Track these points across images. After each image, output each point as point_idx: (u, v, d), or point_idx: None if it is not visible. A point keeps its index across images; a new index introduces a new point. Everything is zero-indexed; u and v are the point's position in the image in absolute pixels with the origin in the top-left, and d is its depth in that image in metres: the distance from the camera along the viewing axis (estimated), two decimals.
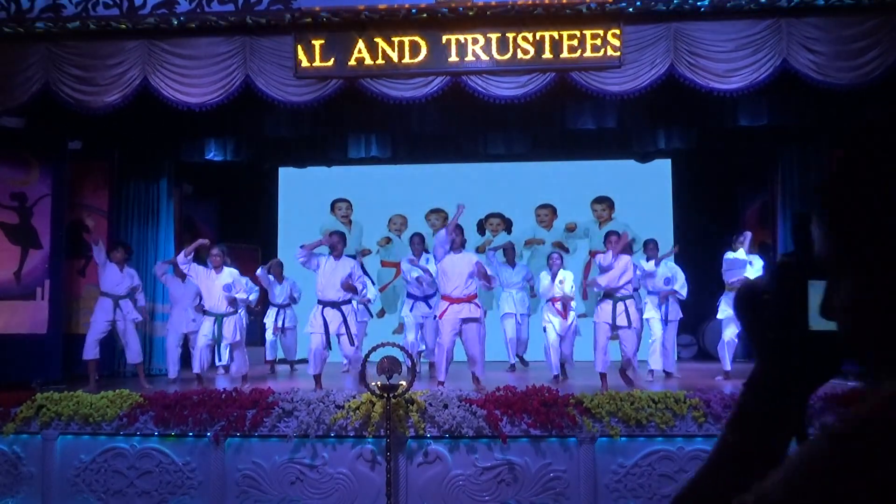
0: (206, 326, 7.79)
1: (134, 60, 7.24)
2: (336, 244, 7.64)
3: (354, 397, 6.00)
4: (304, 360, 9.18)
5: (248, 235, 11.15)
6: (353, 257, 8.52)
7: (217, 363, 8.76)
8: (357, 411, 5.91)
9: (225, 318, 7.74)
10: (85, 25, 7.15)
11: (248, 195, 11.46)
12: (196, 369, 7.70)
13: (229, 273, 7.99)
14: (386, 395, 5.61)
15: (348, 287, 7.40)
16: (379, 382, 5.63)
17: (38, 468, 6.22)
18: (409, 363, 5.79)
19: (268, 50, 7.22)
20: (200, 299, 8.26)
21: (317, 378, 7.07)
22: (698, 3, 6.90)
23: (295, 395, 6.12)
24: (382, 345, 5.66)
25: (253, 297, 8.34)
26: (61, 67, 7.25)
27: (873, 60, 6.80)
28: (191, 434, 6.07)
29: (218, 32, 7.23)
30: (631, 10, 6.98)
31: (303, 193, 11.09)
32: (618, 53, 7.06)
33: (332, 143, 10.04)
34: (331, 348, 7.48)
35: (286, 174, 11.60)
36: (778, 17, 6.92)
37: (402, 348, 5.68)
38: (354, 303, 7.89)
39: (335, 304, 7.37)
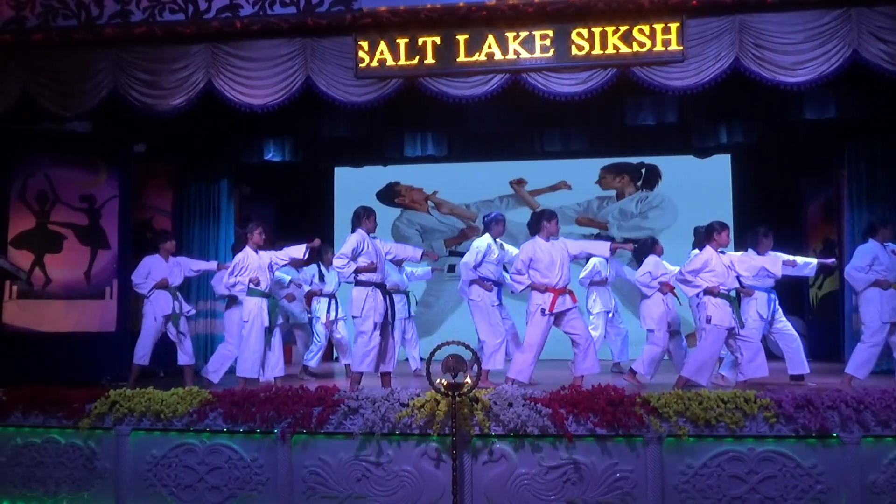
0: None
1: (198, 64, 7.37)
2: None
3: (419, 395, 6.02)
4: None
5: (304, 234, 11.25)
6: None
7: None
8: (422, 409, 5.92)
9: None
10: (151, 30, 7.31)
11: (305, 195, 11.62)
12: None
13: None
14: (451, 393, 5.61)
15: None
16: (444, 380, 5.63)
17: (112, 463, 6.39)
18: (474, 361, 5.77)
19: (328, 51, 7.28)
20: None
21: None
22: None
23: (360, 392, 6.17)
24: (448, 343, 5.64)
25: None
26: (129, 72, 7.42)
27: None
28: (258, 431, 6.16)
29: (279, 34, 7.31)
30: (694, 2, 6.86)
31: (359, 192, 11.19)
32: (680, 47, 6.93)
33: (389, 141, 10.10)
34: None
35: (342, 173, 11.73)
36: (848, 7, 6.71)
37: (467, 346, 5.66)
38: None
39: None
